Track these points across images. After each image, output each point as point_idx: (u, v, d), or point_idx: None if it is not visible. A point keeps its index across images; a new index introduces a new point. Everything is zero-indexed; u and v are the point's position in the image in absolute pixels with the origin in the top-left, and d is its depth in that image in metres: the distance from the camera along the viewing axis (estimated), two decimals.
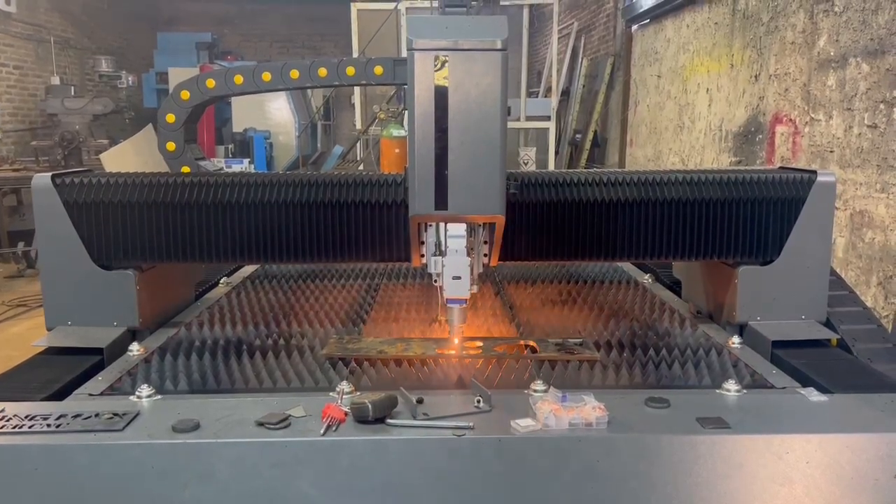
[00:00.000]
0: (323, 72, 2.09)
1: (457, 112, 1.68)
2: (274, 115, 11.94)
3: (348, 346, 2.00)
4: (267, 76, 2.10)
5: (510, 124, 8.79)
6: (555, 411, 1.55)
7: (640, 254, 2.18)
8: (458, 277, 1.84)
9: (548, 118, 9.39)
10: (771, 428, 1.55)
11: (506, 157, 1.75)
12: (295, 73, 2.07)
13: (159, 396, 1.69)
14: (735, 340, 2.11)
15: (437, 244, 1.87)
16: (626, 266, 3.07)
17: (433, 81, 1.68)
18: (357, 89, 9.35)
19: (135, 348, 2.04)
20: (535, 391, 1.69)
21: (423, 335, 2.19)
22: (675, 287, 2.81)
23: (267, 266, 3.07)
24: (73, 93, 10.67)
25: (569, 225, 2.11)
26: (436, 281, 1.90)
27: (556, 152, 9.81)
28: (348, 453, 1.49)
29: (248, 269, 3.07)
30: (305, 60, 2.10)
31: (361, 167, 9.82)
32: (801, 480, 1.50)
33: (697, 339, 2.15)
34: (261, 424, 1.54)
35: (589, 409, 1.56)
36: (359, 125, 9.69)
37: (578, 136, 10.30)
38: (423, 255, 1.96)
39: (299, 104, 12.20)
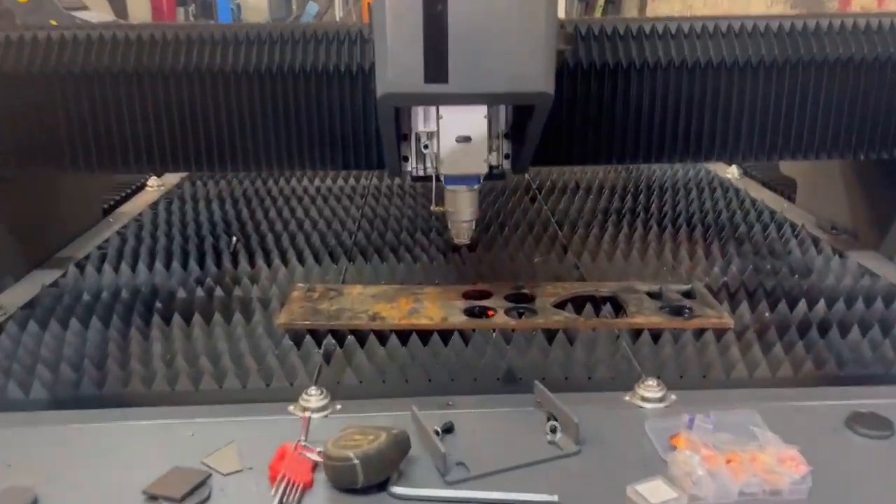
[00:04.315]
0: None
1: None
2: None
3: (320, 307, 1.25)
4: None
5: None
6: (706, 461, 0.83)
7: (753, 152, 1.42)
8: (467, 139, 1.08)
9: None
10: None
11: None
12: None
13: None
14: None
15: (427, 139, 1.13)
16: None
17: None
18: None
19: None
20: (647, 399, 0.98)
21: (437, 280, 1.43)
22: (773, 185, 2.05)
23: None
24: None
25: (636, 106, 1.34)
26: (417, 173, 1.21)
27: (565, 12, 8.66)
28: None
29: None
30: None
31: None
32: None
33: (857, 277, 1.41)
34: (153, 500, 0.81)
35: (769, 456, 0.83)
36: None
37: None
38: (405, 160, 1.19)
39: None
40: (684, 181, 2.07)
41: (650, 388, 0.99)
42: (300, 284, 1.34)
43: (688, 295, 1.29)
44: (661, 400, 0.98)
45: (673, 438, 0.88)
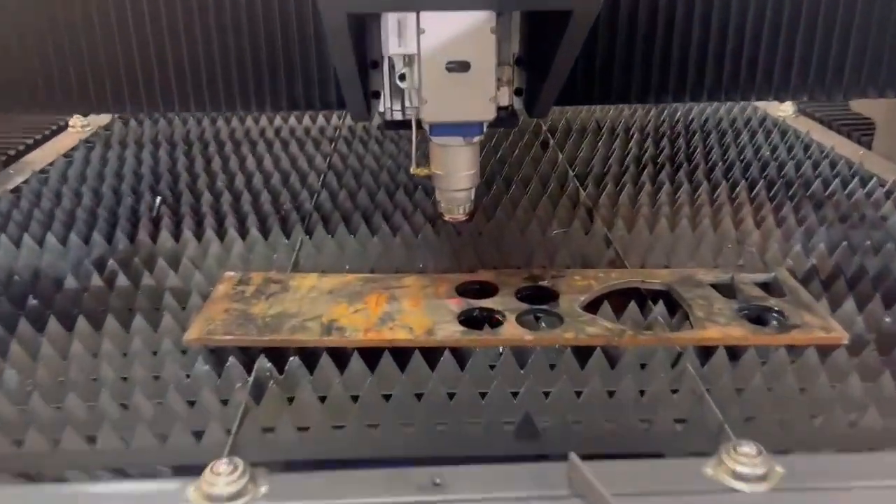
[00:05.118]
0: None
1: None
2: None
3: (253, 311, 0.88)
4: None
5: None
6: None
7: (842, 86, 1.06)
8: (464, 66, 0.73)
9: None
10: None
11: None
12: None
13: None
14: None
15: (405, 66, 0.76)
16: None
17: None
18: None
19: None
20: (741, 476, 0.63)
21: (422, 263, 1.07)
22: (839, 126, 1.67)
23: None
24: None
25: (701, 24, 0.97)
26: (391, 116, 0.85)
27: None
28: None
29: None
30: None
31: None
32: None
33: None
34: None
35: None
36: None
37: None
38: (375, 97, 0.81)
39: None
40: (730, 121, 1.68)
41: (746, 459, 0.64)
42: (229, 273, 0.97)
43: (768, 288, 0.93)
44: (763, 478, 0.63)
45: None
